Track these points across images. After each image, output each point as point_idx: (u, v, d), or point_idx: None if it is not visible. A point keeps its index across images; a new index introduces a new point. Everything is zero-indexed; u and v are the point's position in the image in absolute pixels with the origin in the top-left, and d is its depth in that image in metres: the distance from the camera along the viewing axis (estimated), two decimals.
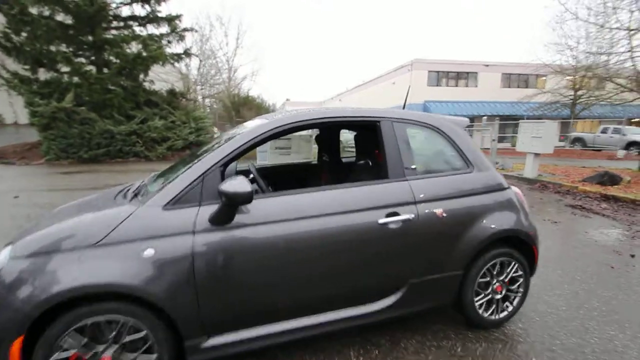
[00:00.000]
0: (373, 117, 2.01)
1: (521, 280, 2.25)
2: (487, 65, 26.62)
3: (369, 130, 2.20)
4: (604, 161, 14.38)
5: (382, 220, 1.80)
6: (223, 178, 1.65)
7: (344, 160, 3.23)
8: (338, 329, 1.81)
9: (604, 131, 20.79)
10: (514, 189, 2.30)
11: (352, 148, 3.15)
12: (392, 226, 1.82)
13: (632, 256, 3.67)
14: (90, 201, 1.99)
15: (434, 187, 1.98)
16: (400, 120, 2.04)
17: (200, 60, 21.93)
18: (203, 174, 1.61)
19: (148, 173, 2.53)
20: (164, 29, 15.04)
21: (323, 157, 3.14)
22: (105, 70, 13.76)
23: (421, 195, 1.92)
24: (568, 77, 20.54)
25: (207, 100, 27.59)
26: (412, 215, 1.86)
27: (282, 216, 1.65)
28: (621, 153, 17.57)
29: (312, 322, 1.76)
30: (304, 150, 4.67)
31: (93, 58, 13.90)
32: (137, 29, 14.79)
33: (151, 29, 14.95)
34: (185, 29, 15.37)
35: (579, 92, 20.81)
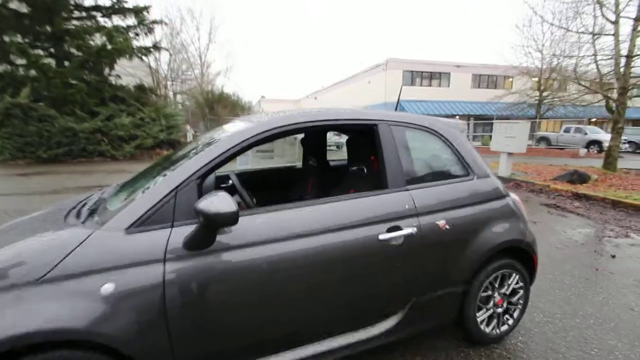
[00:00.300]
0: (370, 120, 1.81)
1: (521, 292, 2.14)
2: (459, 66, 27.30)
3: (363, 134, 2.01)
4: (568, 159, 15.05)
5: (383, 236, 1.61)
6: (201, 193, 1.39)
7: (332, 163, 3.01)
8: (337, 358, 1.61)
9: (566, 130, 21.88)
10: (513, 195, 2.18)
11: (335, 148, 2.97)
12: (393, 242, 1.64)
13: (613, 257, 3.72)
14: (33, 221, 1.63)
15: (436, 196, 1.82)
16: (398, 123, 1.86)
17: (171, 55, 20.98)
18: (176, 188, 1.34)
19: (114, 174, 2.18)
20: (131, 20, 14.22)
21: (310, 162, 2.91)
22: (66, 63, 12.82)
23: (423, 206, 1.75)
24: (534, 79, 21.42)
25: (179, 96, 26.52)
26: (415, 229, 1.68)
27: (272, 235, 1.43)
28: (583, 152, 18.54)
29: (307, 354, 1.54)
30: (289, 153, 4.33)
31: (52, 50, 12.91)
32: (102, 20, 13.89)
33: (117, 21, 14.09)
34: (154, 21, 14.62)
35: (544, 93, 21.75)
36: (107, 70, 14.00)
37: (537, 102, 22.12)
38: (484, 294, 2.01)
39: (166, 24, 17.41)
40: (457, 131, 2.05)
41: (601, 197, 6.84)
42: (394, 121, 1.85)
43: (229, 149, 1.46)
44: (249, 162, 4.06)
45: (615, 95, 10.41)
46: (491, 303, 2.05)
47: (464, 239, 1.86)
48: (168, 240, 1.28)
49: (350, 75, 32.92)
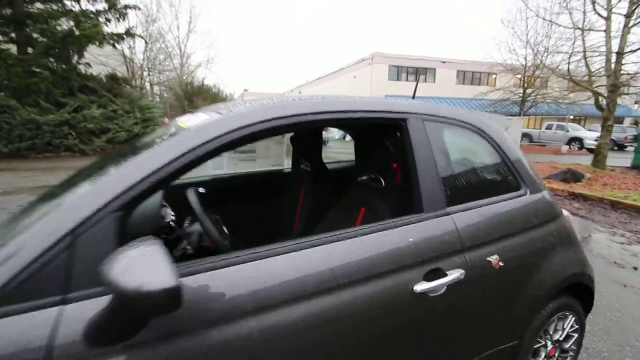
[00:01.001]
0: (397, 112, 1.29)
1: (576, 335, 1.70)
2: (444, 62, 27.15)
3: (380, 131, 1.49)
4: (552, 156, 15.05)
5: (420, 287, 1.10)
6: (124, 231, 0.84)
7: (330, 167, 2.46)
8: None
9: (548, 127, 22.16)
10: (565, 212, 1.72)
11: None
12: (433, 294, 1.13)
13: (635, 269, 3.38)
14: None
15: (486, 221, 1.32)
16: (434, 117, 1.35)
17: (147, 43, 19.72)
18: (74, 230, 0.77)
19: None
20: (101, 5, 13.15)
21: (302, 165, 2.36)
22: (30, 50, 11.72)
23: (470, 237, 1.25)
24: (517, 76, 21.49)
25: (156, 88, 25.27)
26: (462, 271, 1.18)
27: (257, 301, 0.89)
28: (565, 148, 18.76)
29: None
30: (275, 153, 3.51)
31: (13, 35, 11.76)
32: (68, 4, 12.76)
33: (85, 5, 12.99)
34: (126, 6, 13.59)
35: (528, 90, 21.87)
36: (75, 58, 12.93)
37: (520, 99, 22.22)
38: (536, 346, 1.54)
39: (140, 9, 16.30)
40: (503, 130, 1.56)
41: (599, 198, 6.61)
42: (429, 115, 1.33)
43: (173, 160, 0.89)
44: (224, 165, 3.23)
45: (605, 92, 10.29)
46: (542, 355, 1.58)
47: (519, 279, 1.38)
48: (56, 327, 0.71)
49: (335, 69, 32.31)
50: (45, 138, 11.21)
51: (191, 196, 1.37)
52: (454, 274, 1.16)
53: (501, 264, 1.28)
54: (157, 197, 1.05)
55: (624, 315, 2.52)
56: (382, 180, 1.51)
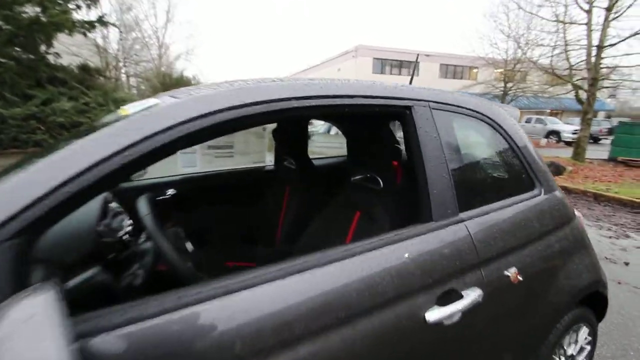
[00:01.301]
0: (400, 98, 1.06)
1: (589, 347, 1.56)
2: (428, 55, 27.18)
3: (380, 123, 1.28)
4: None
5: (432, 315, 0.90)
6: (21, 277, 0.57)
7: (317, 163, 2.22)
8: None
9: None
10: (577, 213, 1.57)
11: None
12: (448, 321, 0.93)
13: (627, 264, 3.34)
14: None
15: (503, 228, 1.14)
16: (444, 105, 1.15)
17: (121, 32, 18.76)
18: None
19: None
20: None
21: (285, 162, 2.13)
22: None
23: (487, 248, 1.06)
24: (498, 70, 21.75)
25: (133, 79, 24.23)
26: (479, 292, 0.99)
27: (225, 352, 0.67)
28: (543, 141, 19.18)
29: None
30: (255, 148, 3.13)
31: None
32: None
33: None
34: None
35: (508, 84, 22.16)
36: (43, 48, 12.18)
37: (502, 93, 22.51)
38: None
39: None
40: (515, 121, 1.38)
41: (582, 190, 6.67)
42: (438, 102, 1.13)
43: (97, 163, 0.63)
44: (197, 162, 2.81)
45: (586, 85, 10.43)
46: None
47: (537, 293, 1.22)
48: None
49: (319, 62, 31.94)
50: (11, 133, 10.52)
51: (141, 207, 1.08)
52: (471, 296, 0.97)
53: (520, 278, 1.11)
54: (91, 209, 0.81)
55: (623, 316, 2.43)
56: (380, 181, 1.29)
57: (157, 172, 1.91)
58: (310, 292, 0.77)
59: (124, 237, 1.08)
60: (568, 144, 17.13)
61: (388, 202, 1.26)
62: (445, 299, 0.93)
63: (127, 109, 0.78)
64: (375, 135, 1.32)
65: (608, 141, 15.96)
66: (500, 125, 1.28)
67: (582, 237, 1.44)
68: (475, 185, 1.19)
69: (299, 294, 0.76)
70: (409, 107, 1.06)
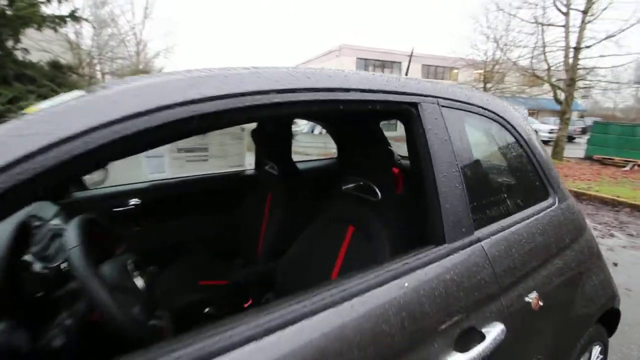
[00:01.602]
0: (405, 94, 0.88)
1: None
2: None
3: (376, 123, 1.11)
4: None
5: None
6: None
7: (302, 167, 2.02)
8: None
9: None
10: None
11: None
12: None
13: (615, 265, 3.32)
14: None
15: (521, 246, 0.99)
16: (454, 103, 0.98)
17: (95, 28, 17.95)
18: None
19: None
20: None
21: (266, 167, 1.93)
22: None
23: (505, 272, 0.91)
24: (477, 71, 22.12)
25: (109, 77, 23.30)
26: (502, 328, 0.83)
27: None
28: None
29: None
30: (232, 151, 2.80)
31: None
32: None
33: None
34: None
35: (488, 85, 22.59)
36: (10, 43, 11.47)
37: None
38: None
39: None
40: (526, 122, 1.24)
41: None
42: (447, 99, 0.97)
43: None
44: (165, 167, 2.44)
45: (564, 86, 10.66)
46: None
47: (557, 317, 1.08)
48: None
49: (302, 60, 31.69)
50: None
51: (70, 235, 0.79)
52: (493, 333, 0.80)
53: (540, 303, 0.96)
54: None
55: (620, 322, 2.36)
56: (378, 191, 1.12)
57: (121, 178, 1.68)
58: (301, 349, 0.59)
59: (63, 267, 0.85)
60: (545, 142, 17.56)
61: (387, 216, 1.08)
62: (464, 341, 0.77)
63: (38, 107, 0.57)
64: (369, 137, 1.14)
65: (582, 140, 16.47)
66: (513, 126, 1.13)
67: (595, 250, 1.32)
68: (489, 197, 1.04)
69: (289, 355, 0.57)
70: (415, 105, 0.89)
